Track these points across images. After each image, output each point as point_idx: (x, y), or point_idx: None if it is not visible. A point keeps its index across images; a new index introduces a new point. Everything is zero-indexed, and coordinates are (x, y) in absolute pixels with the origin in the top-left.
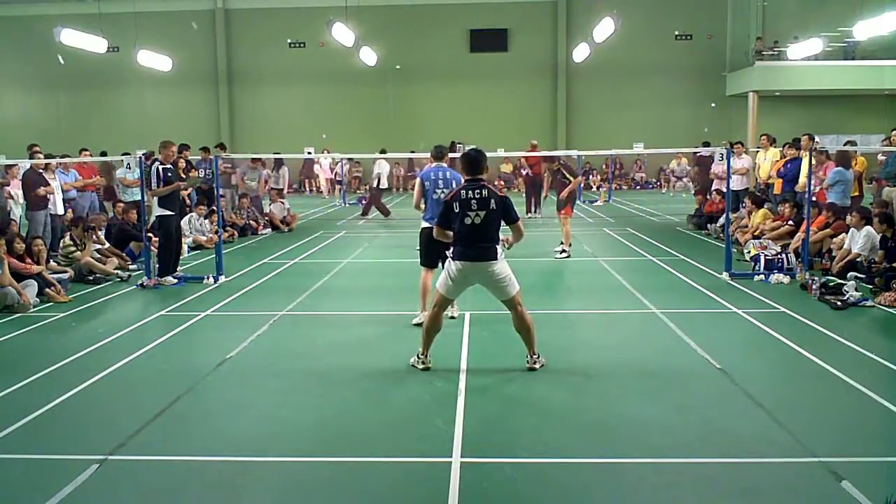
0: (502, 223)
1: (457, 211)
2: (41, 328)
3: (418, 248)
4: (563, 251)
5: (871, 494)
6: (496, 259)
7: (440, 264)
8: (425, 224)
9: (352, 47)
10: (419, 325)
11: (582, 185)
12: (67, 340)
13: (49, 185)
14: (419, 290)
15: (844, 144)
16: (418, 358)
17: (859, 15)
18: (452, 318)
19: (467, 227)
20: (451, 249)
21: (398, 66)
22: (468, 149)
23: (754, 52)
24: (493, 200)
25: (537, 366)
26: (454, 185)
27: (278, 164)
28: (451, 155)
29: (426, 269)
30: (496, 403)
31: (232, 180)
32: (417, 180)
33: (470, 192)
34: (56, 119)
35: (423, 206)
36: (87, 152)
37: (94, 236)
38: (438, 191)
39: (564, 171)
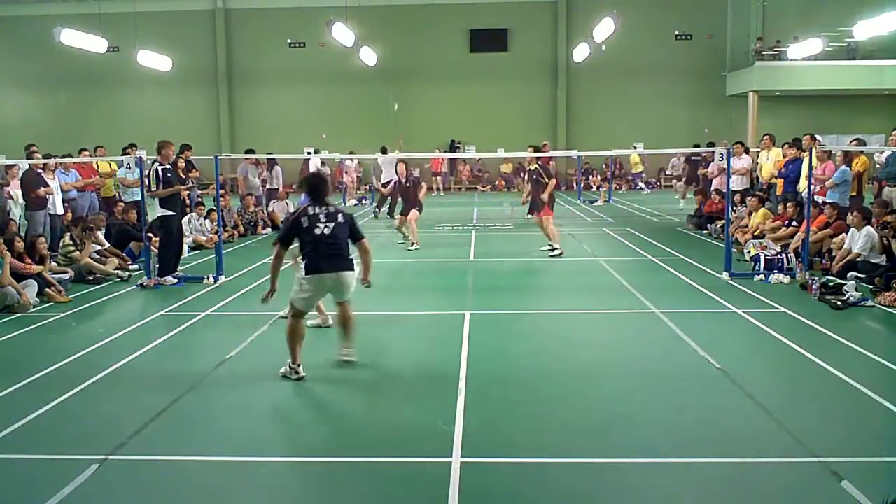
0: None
1: (305, 225)
2: (41, 328)
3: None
4: (553, 248)
5: (871, 494)
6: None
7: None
8: None
9: (352, 47)
10: (322, 326)
11: (563, 186)
12: (67, 340)
13: (48, 185)
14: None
15: (851, 142)
16: (290, 368)
17: (859, 15)
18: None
19: (315, 238)
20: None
21: (396, 97)
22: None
23: (754, 52)
24: (340, 215)
25: (349, 358)
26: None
27: (271, 163)
28: (454, 155)
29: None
30: (496, 403)
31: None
32: None
33: (316, 208)
34: (56, 119)
35: None
36: (87, 152)
37: (93, 236)
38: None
39: (541, 173)
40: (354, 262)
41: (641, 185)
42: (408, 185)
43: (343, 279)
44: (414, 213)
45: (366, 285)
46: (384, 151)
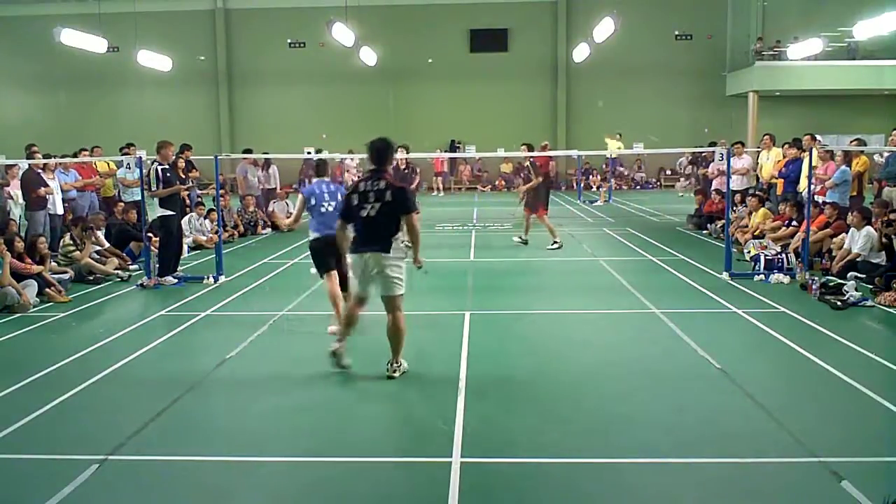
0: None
1: (354, 204)
2: (41, 328)
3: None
4: (555, 243)
5: (871, 494)
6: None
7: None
8: (312, 235)
9: (352, 47)
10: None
11: (578, 184)
12: (67, 340)
13: (48, 185)
14: (329, 300)
15: (851, 142)
16: (336, 343)
17: (859, 15)
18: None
19: (362, 220)
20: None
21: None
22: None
23: (754, 52)
24: (388, 192)
25: (396, 374)
26: (339, 197)
27: (267, 163)
28: (455, 155)
29: (326, 274)
30: (496, 403)
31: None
32: (300, 196)
33: (368, 182)
34: (56, 119)
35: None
36: (86, 152)
37: (93, 236)
38: (325, 203)
39: (531, 170)
40: (395, 245)
41: (620, 168)
42: (405, 170)
43: (378, 261)
44: None
45: (418, 266)
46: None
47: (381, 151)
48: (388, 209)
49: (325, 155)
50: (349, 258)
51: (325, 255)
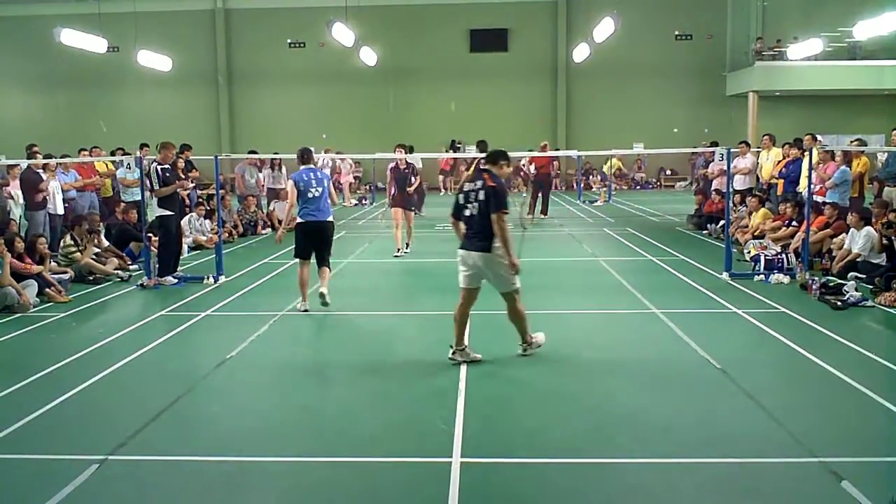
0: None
1: (461, 202)
2: (41, 328)
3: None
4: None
5: (871, 494)
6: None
7: (312, 257)
8: (299, 220)
9: (352, 47)
10: (305, 311)
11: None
12: (67, 340)
13: (44, 185)
14: (297, 281)
15: (851, 143)
16: (453, 349)
17: (859, 15)
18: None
19: (466, 219)
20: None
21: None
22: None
23: (754, 52)
24: (482, 192)
25: (529, 352)
26: (326, 183)
27: (273, 163)
28: (455, 155)
29: (301, 261)
30: (496, 403)
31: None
32: (290, 182)
33: (471, 183)
34: (56, 119)
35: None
36: (86, 152)
37: (96, 239)
38: (313, 189)
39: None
40: (494, 243)
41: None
42: (406, 170)
43: (483, 261)
44: (398, 211)
45: (514, 271)
46: (411, 150)
47: (492, 155)
48: (484, 208)
49: (325, 154)
50: (459, 253)
51: (306, 243)
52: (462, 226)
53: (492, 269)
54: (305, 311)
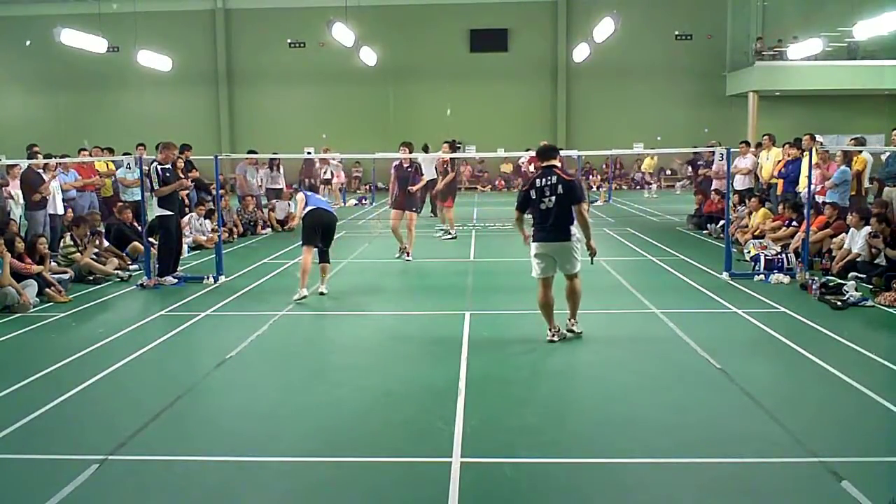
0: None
1: (533, 198)
2: (41, 328)
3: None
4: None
5: (871, 494)
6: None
7: (320, 244)
8: (309, 208)
9: (352, 47)
10: (300, 300)
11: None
12: (67, 340)
13: (45, 183)
14: (300, 269)
15: (850, 142)
16: (549, 331)
17: (859, 15)
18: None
19: (542, 212)
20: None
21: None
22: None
23: (754, 52)
24: (560, 185)
25: (575, 329)
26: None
27: (272, 163)
28: (455, 155)
29: (307, 247)
30: (496, 403)
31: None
32: (300, 195)
33: (542, 179)
34: (56, 119)
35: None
36: (86, 152)
37: (98, 240)
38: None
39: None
40: (574, 231)
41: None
42: (409, 169)
43: (561, 249)
44: (396, 212)
45: (589, 252)
46: (426, 150)
47: (546, 150)
48: (563, 200)
49: (325, 154)
50: (533, 247)
51: (315, 230)
52: (527, 219)
53: (566, 256)
54: (304, 297)
